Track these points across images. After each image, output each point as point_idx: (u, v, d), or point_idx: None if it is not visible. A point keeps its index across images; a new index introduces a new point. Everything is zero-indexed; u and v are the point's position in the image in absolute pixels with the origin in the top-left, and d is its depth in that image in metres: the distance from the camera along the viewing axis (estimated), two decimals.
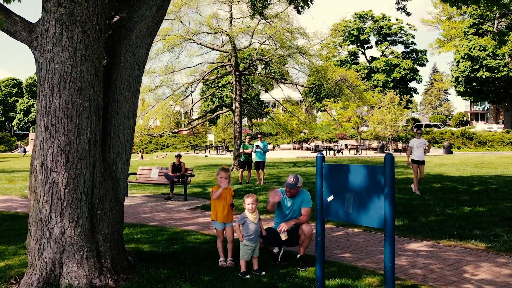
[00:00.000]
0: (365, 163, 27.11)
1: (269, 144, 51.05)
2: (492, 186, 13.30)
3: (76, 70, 4.32)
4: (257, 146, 15.35)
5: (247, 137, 16.15)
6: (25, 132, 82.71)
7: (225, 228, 5.34)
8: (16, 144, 79.60)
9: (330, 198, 3.77)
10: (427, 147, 12.34)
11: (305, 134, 47.88)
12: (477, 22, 44.17)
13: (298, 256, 5.26)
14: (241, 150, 15.74)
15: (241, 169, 15.88)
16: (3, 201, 11.81)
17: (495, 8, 9.76)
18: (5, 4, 4.16)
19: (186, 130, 23.25)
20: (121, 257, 4.76)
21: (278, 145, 50.82)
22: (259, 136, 15.93)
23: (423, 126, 51.95)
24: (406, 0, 8.50)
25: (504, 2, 10.20)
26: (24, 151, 60.93)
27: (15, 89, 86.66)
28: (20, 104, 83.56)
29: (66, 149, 4.32)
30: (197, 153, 45.19)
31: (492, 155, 31.64)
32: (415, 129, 12.56)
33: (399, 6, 8.79)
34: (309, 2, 9.17)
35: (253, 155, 15.61)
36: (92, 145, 4.50)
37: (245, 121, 58.25)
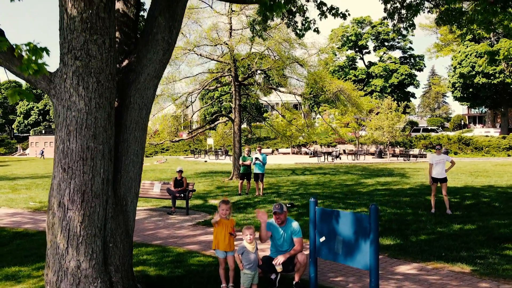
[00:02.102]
0: (362, 170, 27.50)
1: (268, 148, 51.49)
2: (484, 199, 13.73)
3: (91, 117, 4.73)
4: (256, 159, 15.78)
5: (246, 149, 16.56)
6: (25, 135, 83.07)
7: (227, 256, 5.74)
8: (15, 147, 79.99)
9: (322, 239, 4.18)
10: (451, 163, 11.64)
11: (303, 138, 48.33)
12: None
13: (294, 282, 5.66)
14: (241, 162, 16.17)
15: (240, 181, 16.28)
16: (10, 215, 12.20)
17: (486, 31, 10.14)
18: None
19: (186, 139, 23.66)
20: (131, 286, 5.16)
21: (277, 149, 51.24)
22: (258, 148, 16.35)
23: (421, 131, 52.43)
24: (402, 23, 8.84)
25: (494, 27, 10.62)
26: (42, 153, 61.32)
27: None
28: (20, 107, 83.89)
29: (81, 189, 4.73)
30: (197, 158, 45.57)
31: (488, 161, 32.09)
32: (436, 146, 12.03)
33: (395, 29, 9.16)
34: (307, 27, 9.53)
35: (252, 166, 16.05)
36: (105, 184, 4.90)
37: (244, 124, 58.64)
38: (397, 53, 61.22)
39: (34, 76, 3.44)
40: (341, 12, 7.14)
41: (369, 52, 62.90)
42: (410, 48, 61.27)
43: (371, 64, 61.11)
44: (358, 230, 3.82)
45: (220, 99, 54.38)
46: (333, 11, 7.07)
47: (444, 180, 11.54)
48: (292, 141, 44.47)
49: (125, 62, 5.54)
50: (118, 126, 5.29)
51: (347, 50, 60.33)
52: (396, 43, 61.39)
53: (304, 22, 8.85)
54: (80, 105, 4.70)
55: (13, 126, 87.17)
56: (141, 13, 6.89)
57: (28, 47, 3.47)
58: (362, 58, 63.08)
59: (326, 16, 7.19)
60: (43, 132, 75.62)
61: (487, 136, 42.28)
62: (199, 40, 20.51)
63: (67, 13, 4.64)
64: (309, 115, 52.90)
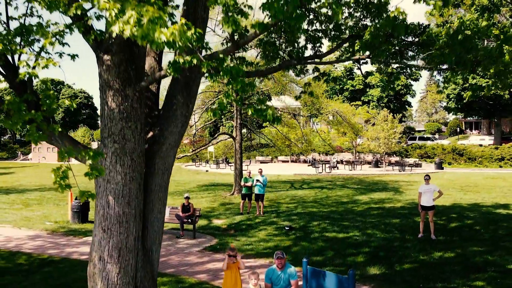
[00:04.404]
0: (358, 183, 28.59)
1: (267, 156, 52.58)
2: (467, 221, 14.82)
3: (126, 188, 5.83)
4: (257, 180, 16.88)
5: (248, 171, 17.67)
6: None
7: None
8: (17, 152, 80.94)
9: None
10: (438, 193, 12.65)
11: (302, 146, 49.38)
12: None
13: None
14: (242, 183, 17.29)
15: (242, 201, 17.38)
16: (32, 239, 13.25)
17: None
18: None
19: (190, 155, 24.76)
20: None
21: (276, 157, 52.30)
22: (259, 170, 17.44)
23: (417, 139, 53.51)
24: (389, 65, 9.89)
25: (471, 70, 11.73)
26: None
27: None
28: None
29: (118, 246, 5.82)
30: (198, 166, 46.61)
31: (480, 173, 33.18)
32: (425, 176, 13.22)
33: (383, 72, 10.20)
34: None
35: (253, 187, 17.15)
36: (136, 241, 6.00)
37: (244, 129, 59.61)
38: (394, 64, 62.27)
39: (94, 178, 4.54)
40: (332, 77, 8.23)
41: (366, 63, 64.08)
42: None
43: (368, 74, 62.34)
44: None
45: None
46: (325, 77, 8.18)
47: (431, 208, 12.57)
48: (290, 150, 45.55)
49: (150, 134, 6.63)
50: (145, 189, 6.39)
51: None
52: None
53: (303, 69, 9.91)
54: (117, 179, 5.79)
55: (15, 131, 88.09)
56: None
57: (90, 153, 4.58)
58: (359, 69, 64.35)
59: (319, 79, 8.29)
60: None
61: (481, 145, 43.44)
62: None
63: (108, 105, 5.74)
64: (308, 123, 54.08)
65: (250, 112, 4.56)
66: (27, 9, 5.80)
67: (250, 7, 4.39)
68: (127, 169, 5.82)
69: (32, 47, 5.21)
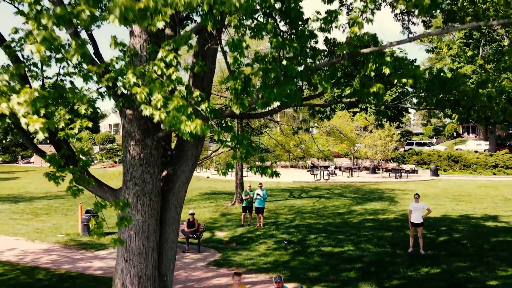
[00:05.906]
0: (355, 191, 29.46)
1: (267, 161, 53.45)
2: (456, 235, 15.71)
3: (145, 224, 6.72)
4: (258, 194, 17.77)
5: (249, 185, 18.56)
6: None
7: None
8: (18, 155, 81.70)
9: None
10: (427, 211, 13.52)
11: (302, 150, 50.18)
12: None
13: None
14: (243, 197, 18.18)
15: (243, 213, 18.27)
16: (46, 252, 14.12)
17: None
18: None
19: None
20: None
21: (276, 162, 53.14)
22: (259, 185, 18.32)
23: (414, 144, 54.43)
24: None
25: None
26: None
27: None
28: None
29: (138, 275, 6.72)
30: (199, 172, 47.45)
31: (474, 181, 34.09)
32: (415, 195, 14.27)
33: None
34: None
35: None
36: (154, 269, 6.90)
37: None
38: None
39: (124, 227, 5.42)
40: (326, 115, 9.17)
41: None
42: None
43: None
44: None
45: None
46: (320, 115, 9.10)
47: (421, 224, 13.47)
48: (289, 156, 46.39)
49: (164, 173, 7.52)
50: (160, 222, 7.28)
51: None
52: None
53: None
54: (138, 216, 6.69)
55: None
56: None
57: (120, 203, 5.47)
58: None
59: (315, 116, 9.20)
60: (48, 141, 77.03)
61: (476, 151, 44.33)
62: None
63: (130, 153, 6.64)
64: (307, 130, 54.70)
65: (253, 172, 5.46)
66: (59, 69, 6.68)
67: (253, 85, 5.27)
68: (146, 207, 6.72)
69: (67, 108, 6.10)
